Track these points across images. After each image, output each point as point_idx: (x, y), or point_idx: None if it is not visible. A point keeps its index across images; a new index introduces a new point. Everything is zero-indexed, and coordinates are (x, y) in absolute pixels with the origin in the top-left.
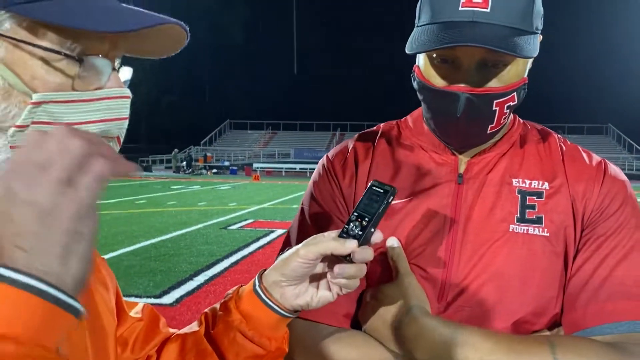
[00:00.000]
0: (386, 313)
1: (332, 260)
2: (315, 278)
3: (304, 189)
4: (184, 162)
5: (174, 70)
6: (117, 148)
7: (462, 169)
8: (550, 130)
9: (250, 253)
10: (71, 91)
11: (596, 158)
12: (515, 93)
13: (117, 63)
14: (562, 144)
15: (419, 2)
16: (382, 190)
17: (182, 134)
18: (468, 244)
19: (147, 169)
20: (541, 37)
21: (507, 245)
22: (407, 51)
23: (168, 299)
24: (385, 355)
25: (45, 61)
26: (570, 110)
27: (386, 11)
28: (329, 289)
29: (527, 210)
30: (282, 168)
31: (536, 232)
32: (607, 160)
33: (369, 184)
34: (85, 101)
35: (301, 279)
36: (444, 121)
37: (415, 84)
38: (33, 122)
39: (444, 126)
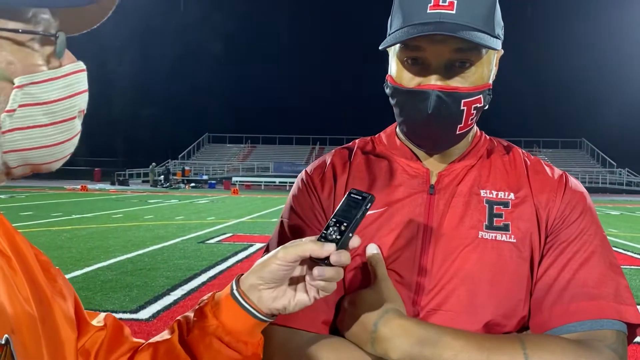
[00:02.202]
0: (364, 317)
1: (309, 264)
2: (293, 282)
3: (284, 203)
4: (162, 176)
5: (152, 84)
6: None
7: (433, 181)
8: (515, 145)
9: (228, 267)
10: (46, 70)
11: (558, 171)
12: (481, 95)
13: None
14: (526, 158)
15: (390, 15)
16: (360, 197)
17: (160, 148)
18: (440, 250)
19: (124, 182)
20: (502, 51)
21: (477, 251)
22: (380, 47)
23: (145, 313)
24: (364, 358)
25: (19, 43)
26: (545, 125)
27: (365, 29)
28: (306, 293)
29: (494, 219)
30: (261, 182)
31: (504, 238)
32: (567, 173)
33: (348, 192)
34: (57, 78)
35: (279, 282)
36: (416, 121)
37: (388, 91)
38: (20, 106)
39: (416, 126)
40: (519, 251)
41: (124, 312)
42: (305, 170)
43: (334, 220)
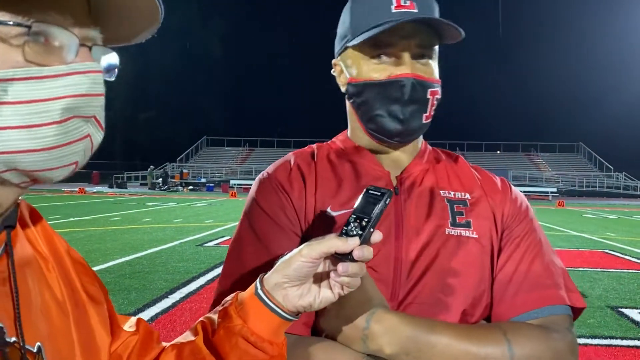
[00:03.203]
0: (352, 315)
1: (332, 260)
2: (316, 279)
3: None
4: (160, 179)
5: (150, 87)
6: (100, 132)
7: (394, 183)
8: (455, 153)
9: None
10: (31, 67)
11: (496, 176)
12: (439, 88)
13: (91, 44)
14: (470, 165)
15: (342, 22)
16: (379, 193)
17: (158, 151)
18: (413, 246)
19: (122, 185)
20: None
21: (446, 246)
22: (354, 43)
23: (143, 317)
24: (354, 356)
25: None
26: (543, 129)
27: None
28: (330, 289)
29: (457, 216)
30: None
31: (467, 234)
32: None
33: (365, 189)
34: (48, 77)
35: (304, 279)
36: (390, 111)
37: (353, 90)
38: (1, 103)
39: (390, 117)
40: (481, 245)
41: (122, 315)
42: (267, 172)
43: (354, 216)
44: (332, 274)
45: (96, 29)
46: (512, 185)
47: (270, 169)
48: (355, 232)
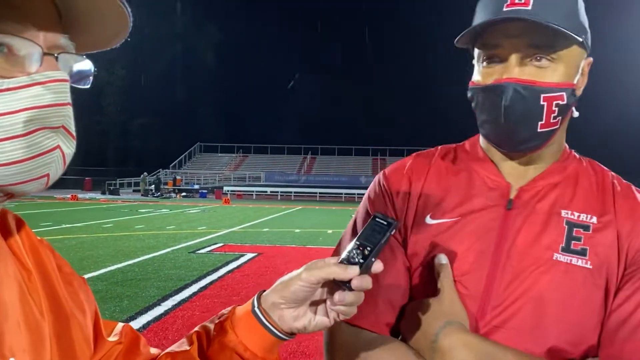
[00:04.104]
0: (426, 325)
1: (331, 286)
2: (313, 303)
3: (275, 212)
4: (153, 186)
5: (143, 92)
6: (72, 141)
7: (512, 195)
8: (605, 167)
9: (219, 277)
10: None
11: None
12: (564, 93)
13: (58, 52)
14: (615, 181)
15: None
16: (385, 223)
17: (151, 157)
18: (510, 267)
19: (115, 192)
20: (591, 59)
21: (550, 273)
22: (457, 42)
23: (135, 324)
24: None
25: None
26: None
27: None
28: (327, 315)
29: (572, 242)
30: (253, 191)
31: (580, 263)
32: None
33: (372, 216)
34: (9, 90)
35: (301, 302)
36: (493, 118)
37: (469, 95)
38: None
39: (494, 124)
40: (594, 278)
41: (108, 320)
42: (384, 172)
43: (357, 243)
44: (328, 301)
45: (65, 36)
46: None
47: (388, 169)
48: (356, 260)
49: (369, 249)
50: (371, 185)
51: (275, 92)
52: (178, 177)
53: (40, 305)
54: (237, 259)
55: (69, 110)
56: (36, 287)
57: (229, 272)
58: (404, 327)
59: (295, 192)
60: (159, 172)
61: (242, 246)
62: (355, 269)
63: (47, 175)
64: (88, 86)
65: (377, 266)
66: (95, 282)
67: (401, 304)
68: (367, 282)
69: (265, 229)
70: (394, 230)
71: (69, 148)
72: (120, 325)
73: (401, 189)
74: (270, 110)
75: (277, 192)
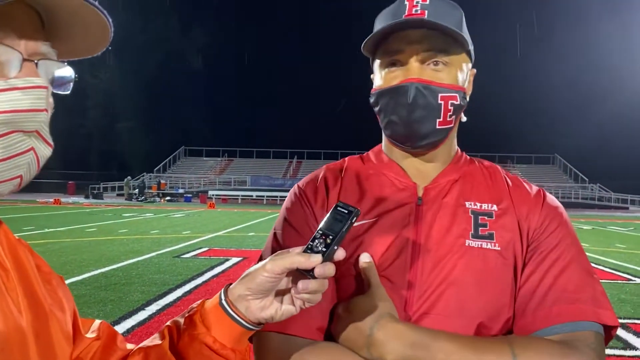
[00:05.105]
0: (360, 322)
1: (296, 275)
2: (279, 292)
3: (261, 217)
4: (137, 190)
5: (128, 96)
6: (47, 147)
7: (420, 193)
8: (492, 163)
9: (204, 282)
10: None
11: (535, 187)
12: (457, 94)
13: (38, 59)
14: (505, 175)
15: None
16: (346, 211)
17: (136, 161)
18: (429, 257)
19: (98, 196)
20: (474, 70)
21: (464, 258)
22: (363, 48)
23: (119, 329)
24: None
25: None
26: (519, 141)
27: (345, 42)
28: (293, 303)
29: (479, 228)
30: (238, 195)
31: (489, 246)
32: (544, 189)
33: (335, 205)
34: None
35: (266, 292)
36: (398, 116)
37: (372, 100)
38: None
39: (399, 121)
40: (503, 258)
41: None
42: (298, 185)
43: (320, 232)
44: (292, 290)
45: (46, 43)
46: (548, 196)
47: (301, 182)
48: (319, 249)
49: (331, 237)
50: (287, 198)
51: (260, 95)
52: (162, 181)
53: (18, 303)
54: (222, 263)
55: (45, 117)
56: (14, 286)
57: (214, 276)
58: (337, 328)
59: (281, 197)
60: (143, 176)
61: (227, 250)
62: (318, 257)
63: (20, 176)
64: (69, 92)
65: (339, 254)
66: (78, 286)
67: (329, 307)
68: (329, 269)
69: (250, 233)
70: (355, 218)
71: (45, 152)
72: (97, 322)
73: (318, 197)
74: (256, 114)
75: (263, 196)
